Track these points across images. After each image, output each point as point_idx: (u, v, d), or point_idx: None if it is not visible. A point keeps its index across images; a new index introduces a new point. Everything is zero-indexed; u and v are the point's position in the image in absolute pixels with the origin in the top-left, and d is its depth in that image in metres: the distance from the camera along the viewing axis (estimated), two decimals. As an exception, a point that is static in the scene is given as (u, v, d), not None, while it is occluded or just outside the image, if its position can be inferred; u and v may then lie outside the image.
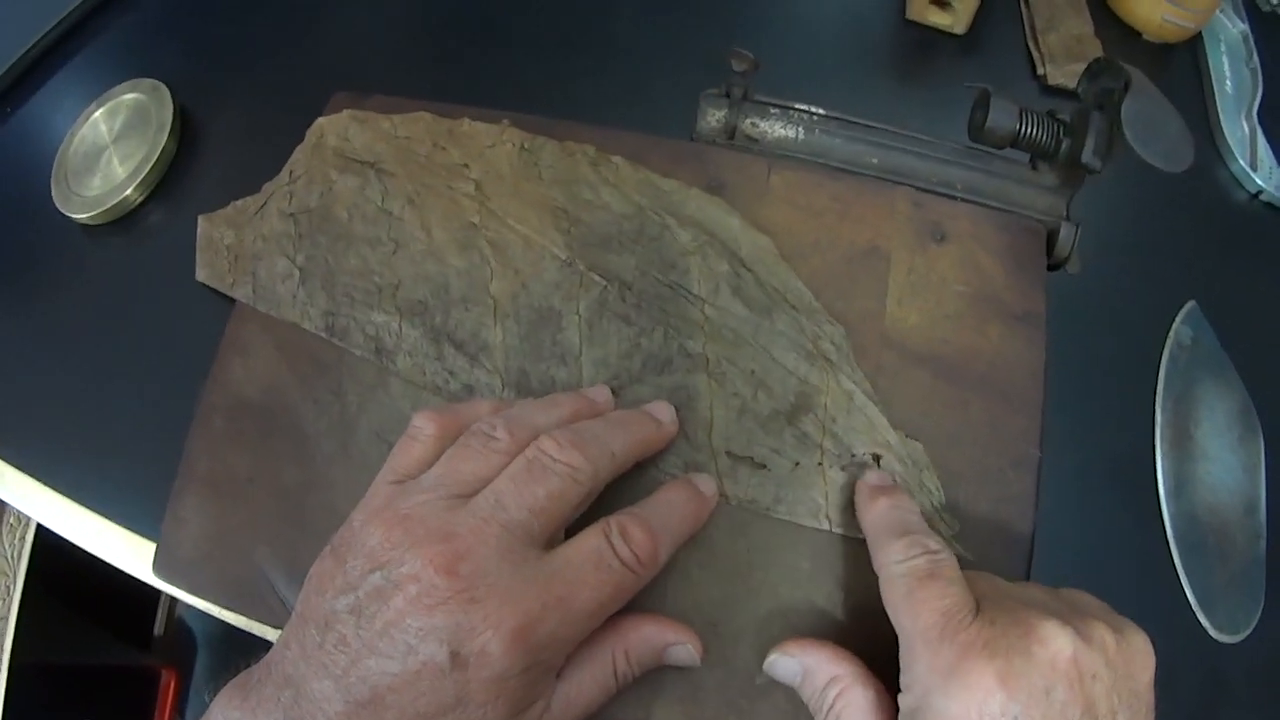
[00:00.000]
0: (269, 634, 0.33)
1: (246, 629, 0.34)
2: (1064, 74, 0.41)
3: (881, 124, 0.36)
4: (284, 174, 0.37)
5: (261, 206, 0.36)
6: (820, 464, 0.29)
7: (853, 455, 0.29)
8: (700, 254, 0.31)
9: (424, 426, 0.26)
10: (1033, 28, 0.42)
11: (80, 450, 0.40)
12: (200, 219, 0.37)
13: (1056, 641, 0.21)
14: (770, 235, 0.33)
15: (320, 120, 0.37)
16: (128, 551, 0.37)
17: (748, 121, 0.35)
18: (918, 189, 0.35)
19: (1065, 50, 0.42)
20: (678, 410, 0.29)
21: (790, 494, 0.28)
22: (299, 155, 0.37)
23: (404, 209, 0.34)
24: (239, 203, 0.37)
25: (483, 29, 0.42)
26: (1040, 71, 0.41)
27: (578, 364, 0.30)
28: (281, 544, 0.32)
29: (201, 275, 0.37)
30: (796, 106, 0.35)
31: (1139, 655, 0.22)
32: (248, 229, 0.36)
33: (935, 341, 0.33)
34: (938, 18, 0.41)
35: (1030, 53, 0.42)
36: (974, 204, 0.36)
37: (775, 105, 0.35)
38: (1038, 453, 0.32)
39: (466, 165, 0.34)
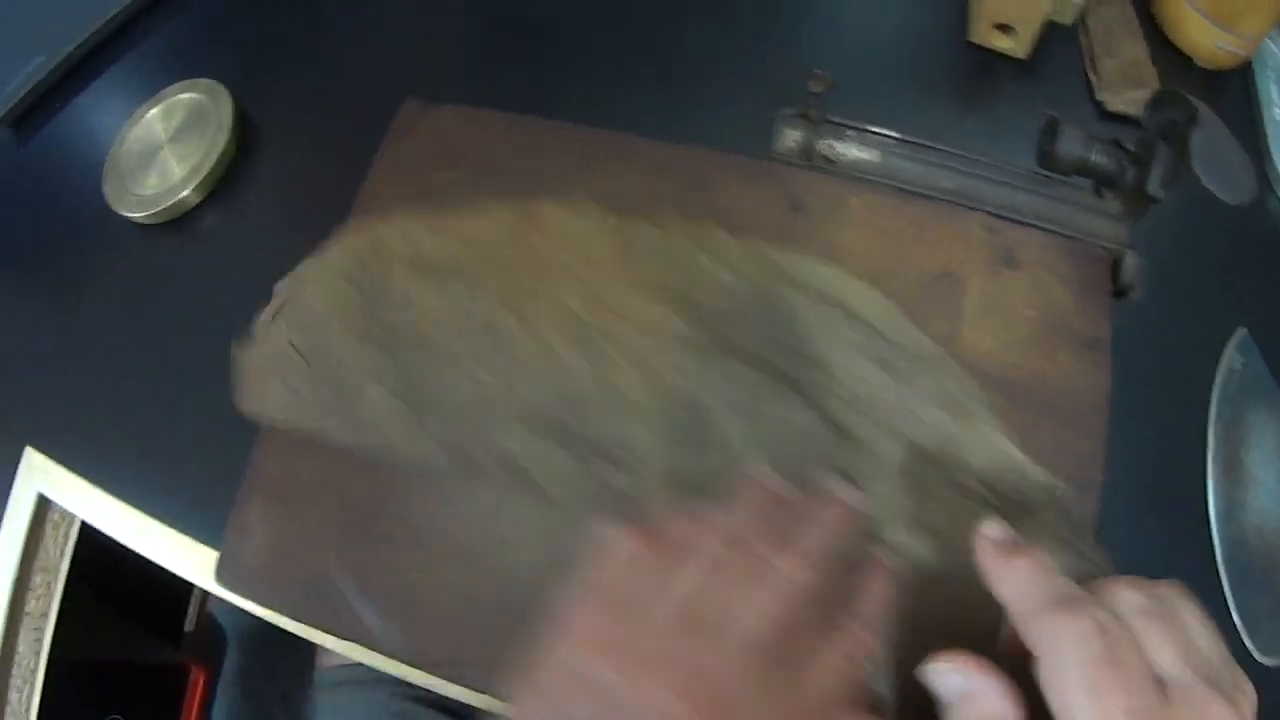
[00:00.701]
0: (338, 646, 0.33)
1: (308, 637, 0.34)
2: (1121, 100, 0.41)
3: (954, 149, 0.36)
4: (317, 285, 0.34)
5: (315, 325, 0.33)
6: (977, 514, 0.28)
7: (1003, 499, 0.28)
8: (830, 324, 0.30)
9: (624, 541, 0.23)
10: (1091, 54, 0.43)
11: (132, 452, 0.40)
12: (239, 348, 0.35)
13: None
14: (849, 256, 0.33)
15: (378, 227, 0.34)
16: (179, 554, 0.37)
17: (824, 143, 0.35)
18: (990, 214, 0.36)
19: (1122, 76, 0.42)
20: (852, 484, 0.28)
21: (957, 545, 0.28)
22: (346, 260, 0.34)
23: (504, 316, 0.31)
24: (269, 320, 0.34)
25: (547, 40, 0.42)
26: (1098, 97, 0.41)
27: (732, 451, 0.29)
28: (351, 555, 0.32)
29: (260, 408, 0.33)
30: (872, 129, 0.36)
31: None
32: (315, 358, 0.33)
33: (1007, 366, 0.33)
34: (1000, 41, 0.41)
35: (1088, 78, 0.42)
36: (1043, 230, 0.36)
37: (852, 127, 0.35)
38: (1101, 477, 0.33)
39: (564, 260, 0.32)
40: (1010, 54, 0.41)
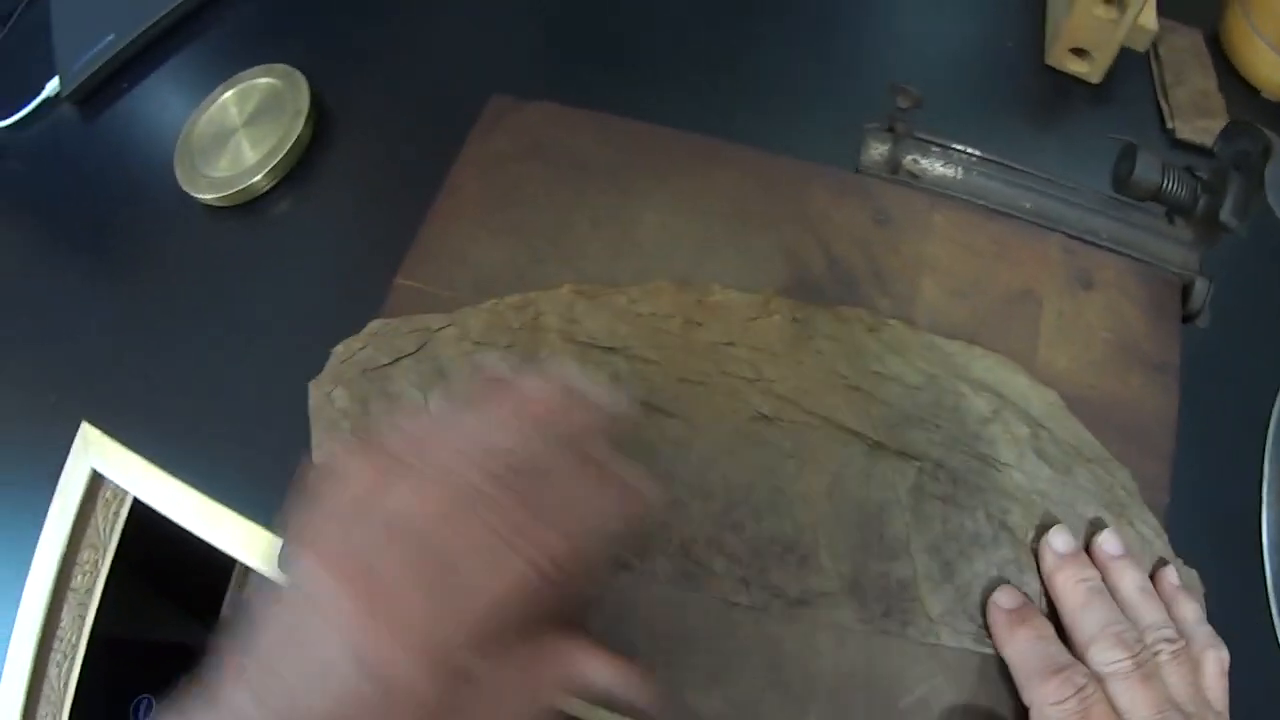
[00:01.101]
0: None
1: None
2: (1191, 129, 0.42)
3: (1033, 169, 0.37)
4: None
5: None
6: None
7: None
8: (999, 420, 0.30)
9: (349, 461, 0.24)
10: (1162, 82, 0.43)
11: (189, 431, 0.40)
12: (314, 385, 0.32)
13: None
14: (933, 271, 0.33)
15: (531, 295, 0.32)
16: (236, 536, 0.37)
17: (909, 158, 0.35)
18: (1067, 235, 0.36)
19: (1192, 105, 0.43)
20: (1009, 583, 0.29)
21: None
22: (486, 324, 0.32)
23: (675, 403, 0.30)
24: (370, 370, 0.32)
25: (629, 44, 0.42)
26: (1169, 125, 0.42)
27: (910, 558, 0.29)
28: None
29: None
30: (955, 146, 0.36)
31: None
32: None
33: (1082, 386, 0.34)
34: (1076, 65, 0.42)
35: (1159, 106, 0.43)
36: (1117, 253, 0.37)
37: (936, 144, 0.36)
38: (1167, 499, 0.33)
39: (731, 343, 0.31)
40: (1085, 78, 0.42)
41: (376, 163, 0.42)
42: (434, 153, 0.41)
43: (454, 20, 0.45)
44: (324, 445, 0.32)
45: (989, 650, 0.28)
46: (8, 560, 0.41)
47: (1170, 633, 0.27)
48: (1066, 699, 0.25)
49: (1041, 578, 0.29)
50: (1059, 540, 0.29)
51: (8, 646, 0.41)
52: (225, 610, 0.64)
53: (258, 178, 0.42)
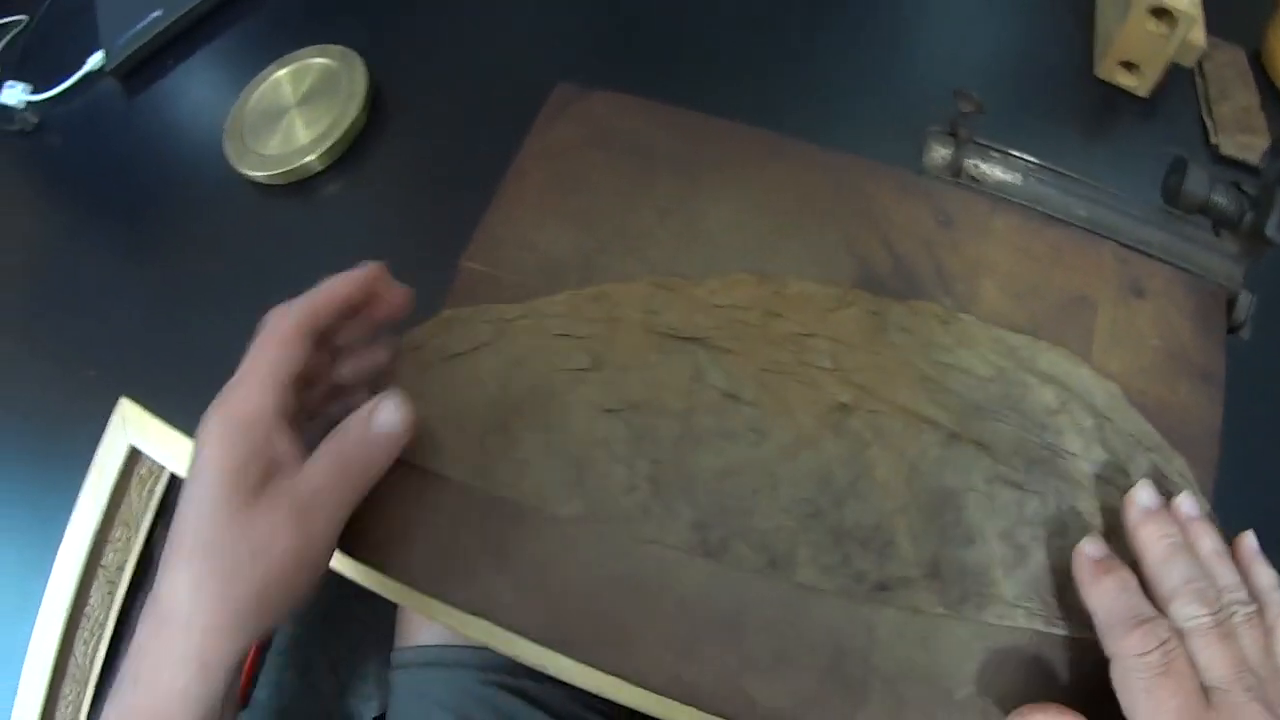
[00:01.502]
0: (452, 618, 0.33)
1: (418, 609, 0.34)
2: (1234, 144, 0.43)
3: (1088, 179, 0.37)
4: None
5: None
6: None
7: None
8: (1066, 411, 0.31)
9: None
10: (1206, 97, 0.44)
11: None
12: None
13: None
14: (993, 274, 0.34)
15: (605, 287, 0.33)
16: None
17: (970, 162, 0.36)
18: (1120, 244, 0.37)
19: (1235, 121, 0.44)
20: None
21: None
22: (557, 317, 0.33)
23: (756, 392, 0.30)
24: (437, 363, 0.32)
25: (691, 37, 0.43)
26: (1213, 140, 0.43)
27: (985, 543, 0.29)
28: (495, 528, 0.32)
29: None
30: (1014, 153, 0.36)
31: None
32: (523, 416, 0.31)
33: (1133, 392, 0.34)
34: (1125, 79, 0.42)
35: (1204, 121, 0.43)
36: (1166, 264, 0.37)
37: (996, 149, 0.36)
38: (1208, 507, 0.34)
39: (811, 334, 0.32)
40: (1133, 91, 0.43)
41: (431, 149, 0.42)
42: (491, 140, 0.41)
43: (512, 8, 0.45)
44: None
45: (1061, 632, 0.29)
46: (39, 535, 0.41)
47: (1244, 595, 0.28)
48: (1150, 651, 0.25)
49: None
50: (1145, 495, 0.30)
51: (35, 623, 0.41)
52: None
53: (310, 158, 0.42)
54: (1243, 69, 0.45)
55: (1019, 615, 0.29)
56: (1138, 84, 0.43)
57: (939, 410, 0.31)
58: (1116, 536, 0.30)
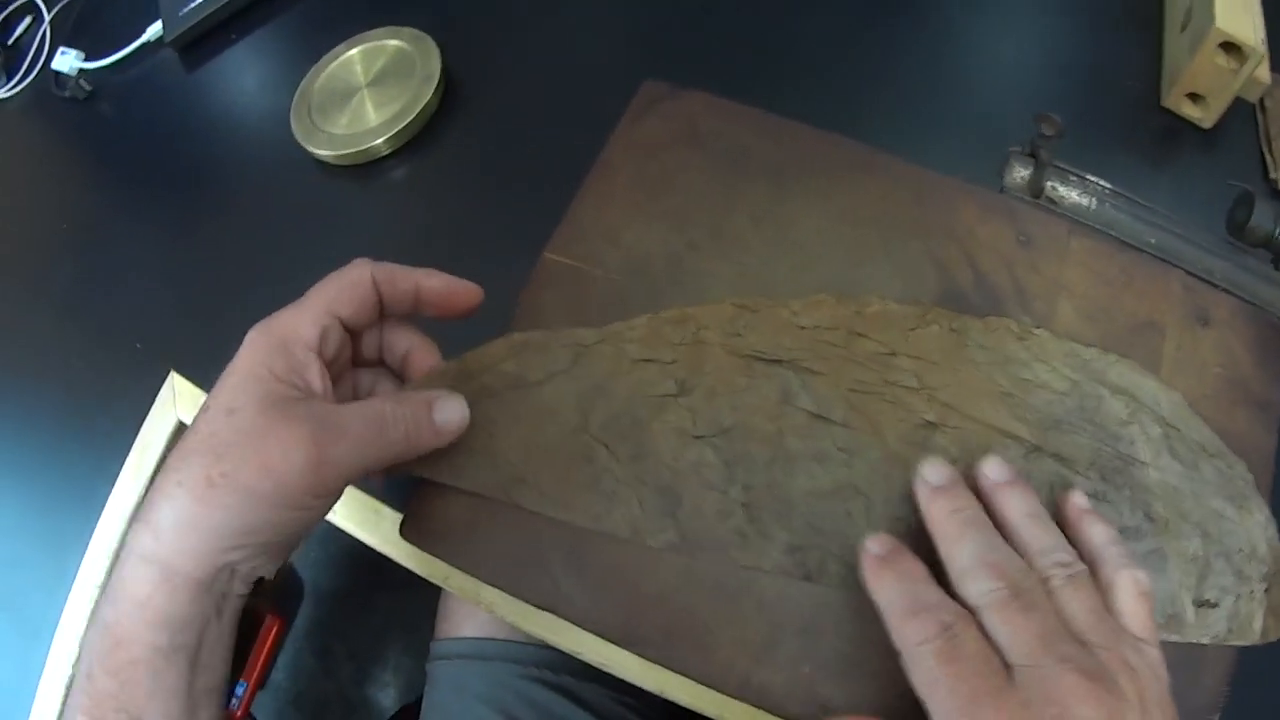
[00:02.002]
0: (511, 611, 0.33)
1: (475, 600, 0.33)
2: (1291, 182, 0.44)
3: (1159, 207, 0.38)
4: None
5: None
6: (1252, 592, 0.30)
7: (1270, 573, 0.31)
8: (1136, 421, 0.32)
9: None
10: (1267, 134, 0.45)
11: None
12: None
13: (1091, 717, 0.22)
14: (1068, 294, 0.34)
15: (686, 309, 0.32)
16: (340, 501, 0.36)
17: (1049, 184, 0.36)
18: (1187, 273, 0.37)
19: (1292, 159, 0.44)
20: (1152, 574, 0.29)
21: (1237, 625, 0.30)
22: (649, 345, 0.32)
23: (844, 413, 0.31)
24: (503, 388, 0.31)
25: (775, 41, 0.43)
26: (1272, 175, 0.44)
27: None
28: (565, 526, 0.31)
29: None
30: (1090, 177, 0.37)
31: (1157, 673, 0.24)
32: (603, 442, 0.31)
33: (1197, 417, 0.35)
34: (1190, 110, 0.43)
35: (1263, 156, 0.44)
36: (1230, 294, 0.38)
37: (1074, 173, 0.37)
38: (1267, 513, 0.34)
39: (894, 353, 0.32)
40: (1197, 123, 0.43)
41: (502, 139, 0.42)
42: (564, 134, 0.41)
43: (591, 1, 0.45)
44: (459, 466, 0.32)
45: None
46: (78, 509, 0.40)
47: (1065, 556, 0.26)
48: (931, 638, 0.24)
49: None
50: (931, 471, 0.28)
51: (69, 595, 0.40)
52: (269, 574, 0.63)
53: (379, 140, 0.41)
54: (1301, 107, 0.46)
55: None
56: (1202, 116, 0.43)
57: (1020, 425, 0.31)
58: (1176, 541, 0.30)
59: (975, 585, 0.25)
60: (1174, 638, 0.30)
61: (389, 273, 0.30)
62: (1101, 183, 0.37)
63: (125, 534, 0.26)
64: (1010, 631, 0.24)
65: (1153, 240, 0.38)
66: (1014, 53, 0.45)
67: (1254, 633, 0.30)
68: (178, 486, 0.25)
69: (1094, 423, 0.32)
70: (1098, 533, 0.28)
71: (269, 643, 0.60)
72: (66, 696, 0.27)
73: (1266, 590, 0.30)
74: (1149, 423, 0.32)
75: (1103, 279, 0.36)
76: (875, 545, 0.27)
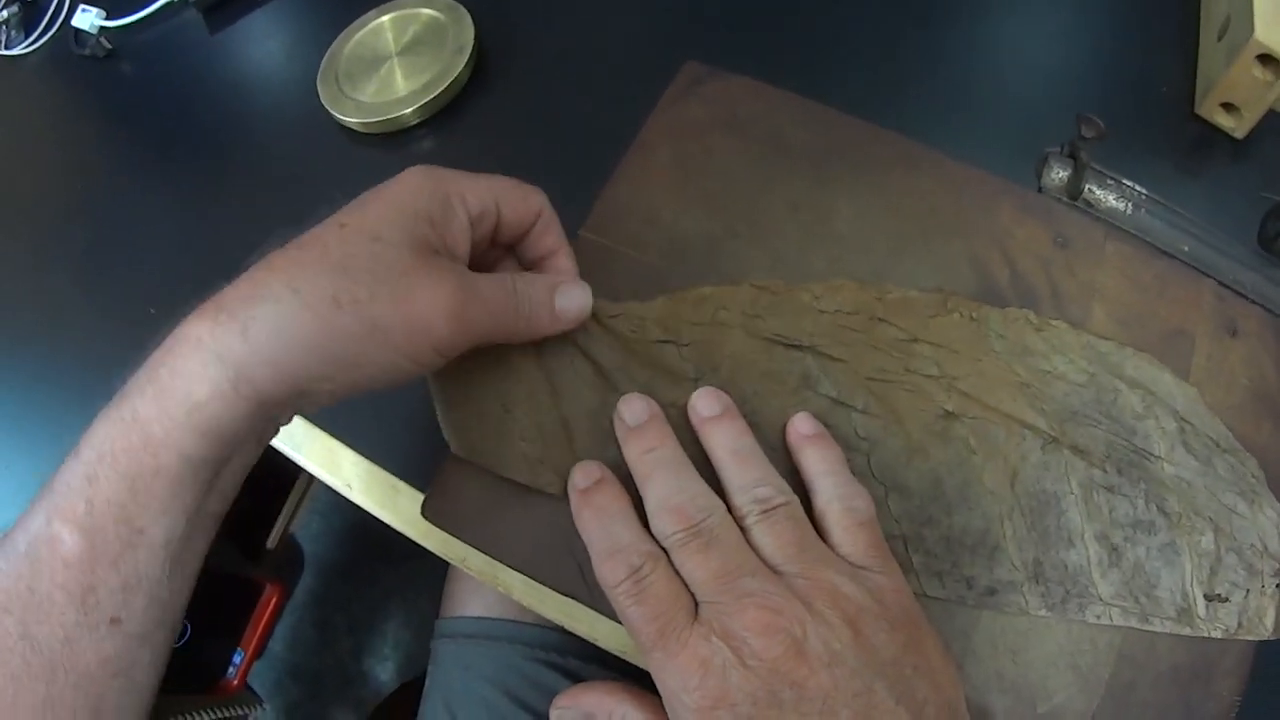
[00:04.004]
0: (538, 601, 0.32)
1: (494, 583, 0.33)
2: (1319, 197, 0.43)
3: (1192, 215, 0.38)
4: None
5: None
6: (1263, 587, 0.30)
7: None
8: (1152, 415, 0.32)
9: None
10: (1297, 147, 0.44)
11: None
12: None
13: (771, 650, 0.22)
14: (1102, 299, 0.34)
15: (705, 290, 0.32)
16: (315, 453, 0.36)
17: (1087, 187, 0.36)
18: (1219, 283, 0.37)
19: (1321, 175, 0.44)
20: (1165, 567, 0.30)
21: (1247, 619, 0.30)
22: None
23: (866, 400, 0.31)
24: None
25: (819, 31, 0.42)
26: (1300, 190, 0.43)
27: (1084, 544, 0.30)
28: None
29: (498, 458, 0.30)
30: (1127, 182, 0.37)
31: (881, 597, 0.24)
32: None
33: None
34: (1223, 119, 0.43)
35: (1293, 170, 0.44)
36: (1260, 306, 0.38)
37: (1111, 177, 0.36)
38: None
39: (914, 340, 0.32)
40: (1230, 133, 0.43)
41: (533, 114, 0.41)
42: (597, 111, 0.40)
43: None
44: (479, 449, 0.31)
45: (1157, 629, 0.29)
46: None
47: (765, 491, 0.26)
48: (622, 580, 0.24)
49: None
50: (627, 410, 0.28)
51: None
52: (272, 543, 0.63)
53: (407, 110, 0.40)
54: (1332, 122, 0.46)
55: (1115, 614, 0.29)
56: (1235, 126, 0.43)
57: (1038, 416, 0.31)
58: (1189, 534, 0.30)
59: (659, 527, 0.26)
60: (1185, 631, 0.30)
61: (550, 224, 0.29)
62: (1138, 188, 0.37)
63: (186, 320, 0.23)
64: (691, 570, 0.25)
65: (1186, 248, 0.37)
66: (1050, 54, 0.44)
67: (1265, 628, 0.30)
68: (292, 293, 0.22)
69: (1110, 416, 0.32)
70: (812, 461, 0.28)
71: (268, 612, 0.59)
72: (36, 500, 0.22)
73: (1278, 586, 0.30)
74: (1164, 417, 0.32)
75: (1137, 285, 0.35)
76: (580, 477, 0.28)
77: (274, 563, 0.68)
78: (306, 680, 0.77)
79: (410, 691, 0.51)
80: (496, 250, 0.30)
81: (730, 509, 0.26)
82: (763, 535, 0.25)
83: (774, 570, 0.24)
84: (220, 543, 0.64)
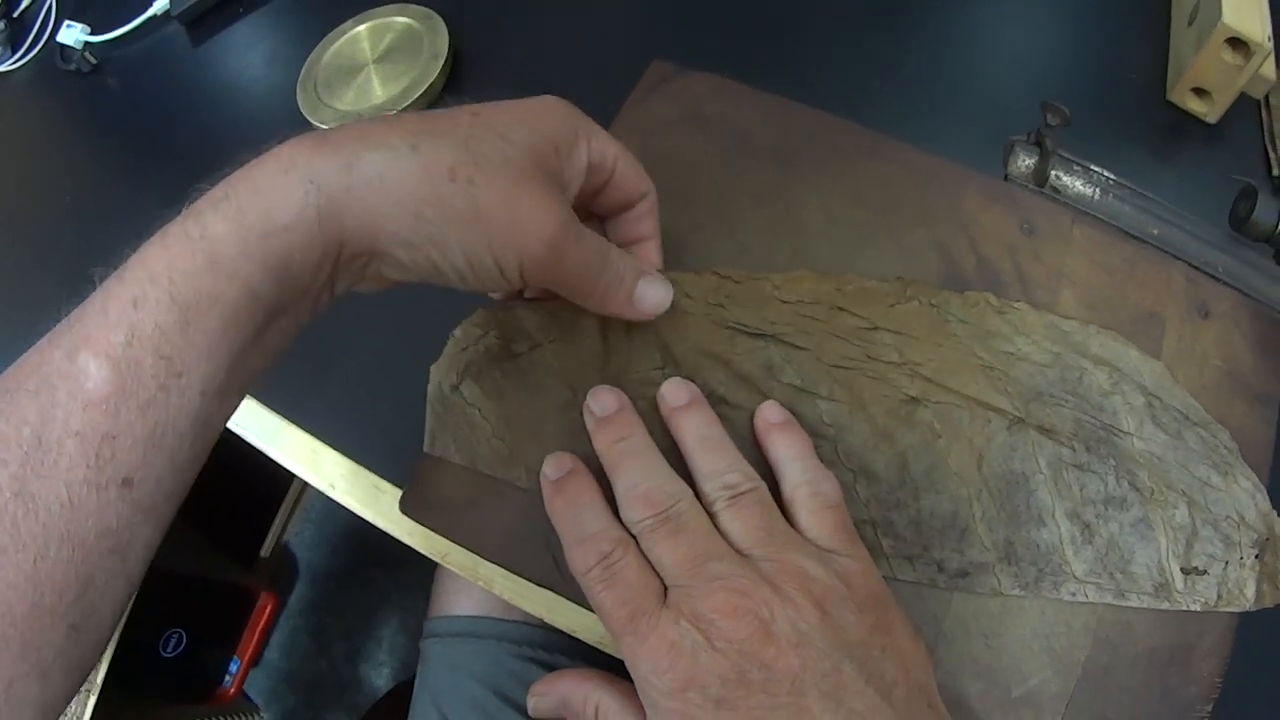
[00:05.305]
0: (518, 596, 0.33)
1: (472, 577, 0.34)
2: (1295, 179, 0.44)
3: (1161, 199, 0.38)
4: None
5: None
6: (1242, 559, 0.31)
7: (1265, 541, 0.31)
8: (1119, 392, 0.33)
9: None
10: (1271, 131, 0.45)
11: (294, 372, 0.39)
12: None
13: (739, 632, 0.23)
14: (1071, 284, 0.35)
15: (673, 275, 0.32)
16: (298, 453, 0.37)
17: (1053, 173, 0.36)
18: (1189, 265, 0.37)
19: (1296, 157, 0.44)
20: (1139, 543, 0.30)
21: (1227, 592, 0.30)
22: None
23: (830, 387, 0.31)
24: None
25: (783, 23, 0.43)
26: (1275, 172, 0.44)
27: (1055, 522, 0.30)
28: None
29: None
30: (1094, 167, 0.37)
31: (848, 580, 0.25)
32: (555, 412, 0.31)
33: (1195, 408, 0.35)
34: (1195, 104, 0.43)
35: (1267, 154, 0.44)
36: (1231, 288, 0.38)
37: (1078, 163, 0.37)
38: (1254, 483, 0.35)
39: (874, 328, 0.32)
40: (1202, 118, 0.44)
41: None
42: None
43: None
44: (449, 444, 0.32)
45: (1133, 604, 0.30)
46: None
47: (733, 478, 0.26)
48: (592, 566, 0.25)
49: None
50: (595, 402, 0.29)
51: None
52: (266, 552, 0.64)
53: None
54: (1306, 106, 0.46)
55: (1090, 591, 0.30)
56: (1207, 111, 0.43)
57: (1002, 398, 0.32)
58: (1161, 510, 0.31)
59: (628, 514, 0.26)
60: (1164, 605, 0.30)
61: (650, 211, 0.29)
62: (1105, 173, 0.38)
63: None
64: (660, 555, 0.25)
65: (1155, 232, 0.38)
66: (1021, 42, 0.45)
67: (1245, 599, 0.30)
68: (410, 149, 0.22)
69: (1076, 394, 0.32)
70: (779, 448, 0.28)
71: (263, 620, 0.60)
72: (51, 337, 0.20)
73: (1258, 556, 0.31)
74: (1132, 393, 0.33)
75: (1105, 269, 0.36)
76: (551, 468, 0.28)
77: (268, 571, 0.69)
78: (303, 687, 0.77)
79: (402, 693, 0.52)
80: (591, 221, 0.30)
81: (699, 496, 0.27)
82: (730, 520, 0.26)
83: (742, 555, 0.25)
84: (214, 552, 0.65)
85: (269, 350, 0.23)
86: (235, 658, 0.60)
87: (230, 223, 0.20)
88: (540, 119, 0.25)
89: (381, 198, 0.21)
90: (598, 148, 0.27)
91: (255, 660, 0.61)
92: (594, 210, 0.30)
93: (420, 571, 0.41)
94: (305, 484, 0.37)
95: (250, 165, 0.22)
